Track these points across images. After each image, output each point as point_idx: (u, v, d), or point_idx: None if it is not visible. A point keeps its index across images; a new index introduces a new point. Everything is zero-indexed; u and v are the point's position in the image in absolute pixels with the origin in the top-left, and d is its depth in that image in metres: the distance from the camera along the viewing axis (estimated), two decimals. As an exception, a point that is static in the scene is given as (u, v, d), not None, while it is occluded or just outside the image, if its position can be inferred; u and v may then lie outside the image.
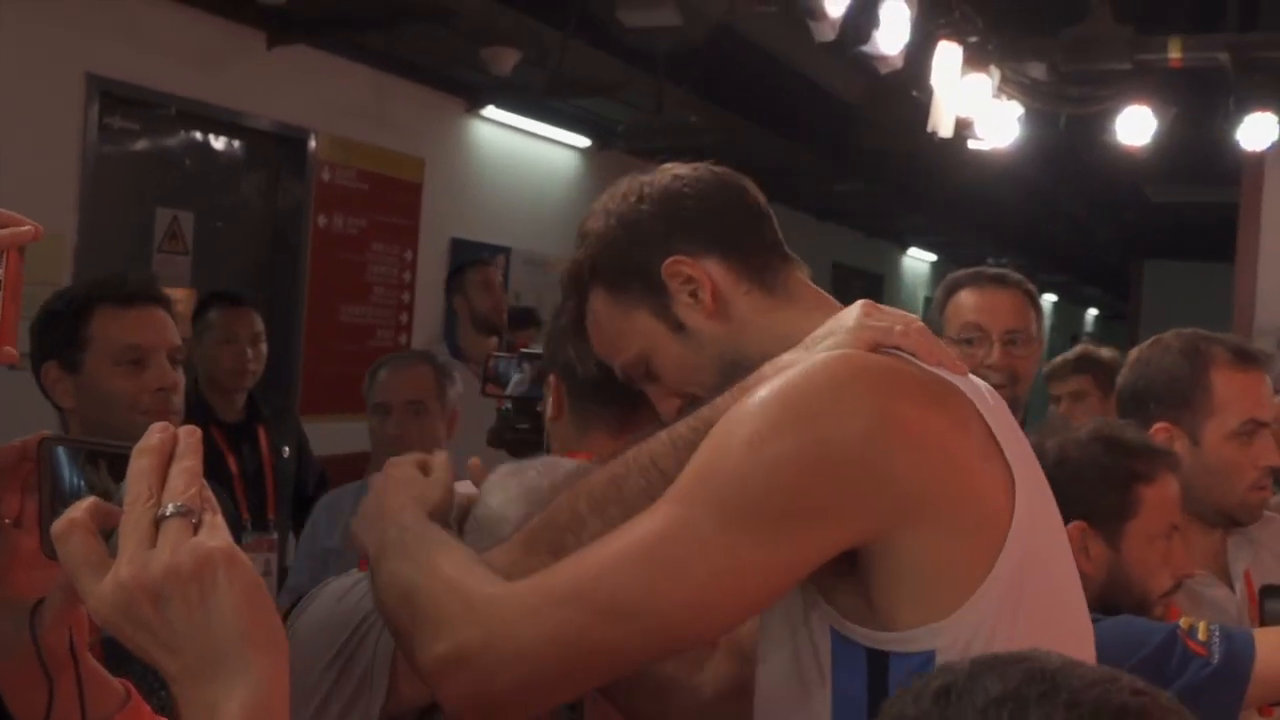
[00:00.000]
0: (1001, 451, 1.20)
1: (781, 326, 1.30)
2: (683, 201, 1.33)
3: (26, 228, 0.99)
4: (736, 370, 1.27)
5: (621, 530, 1.15)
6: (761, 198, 1.38)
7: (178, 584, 0.81)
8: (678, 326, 1.31)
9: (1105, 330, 21.27)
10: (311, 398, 5.21)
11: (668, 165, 1.38)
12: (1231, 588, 2.11)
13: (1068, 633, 1.25)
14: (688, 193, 1.33)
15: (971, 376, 1.27)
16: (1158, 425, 2.06)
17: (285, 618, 1.42)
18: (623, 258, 1.33)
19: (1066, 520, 1.79)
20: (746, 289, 1.31)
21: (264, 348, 3.93)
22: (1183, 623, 1.73)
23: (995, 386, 2.49)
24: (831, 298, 1.38)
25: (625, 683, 1.30)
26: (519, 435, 2.30)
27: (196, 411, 3.66)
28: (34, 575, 0.96)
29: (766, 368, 1.23)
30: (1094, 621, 1.73)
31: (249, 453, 3.70)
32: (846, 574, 1.16)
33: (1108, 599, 1.82)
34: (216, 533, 0.83)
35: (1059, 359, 4.23)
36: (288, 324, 5.12)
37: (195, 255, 4.94)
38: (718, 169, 1.38)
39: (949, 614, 1.13)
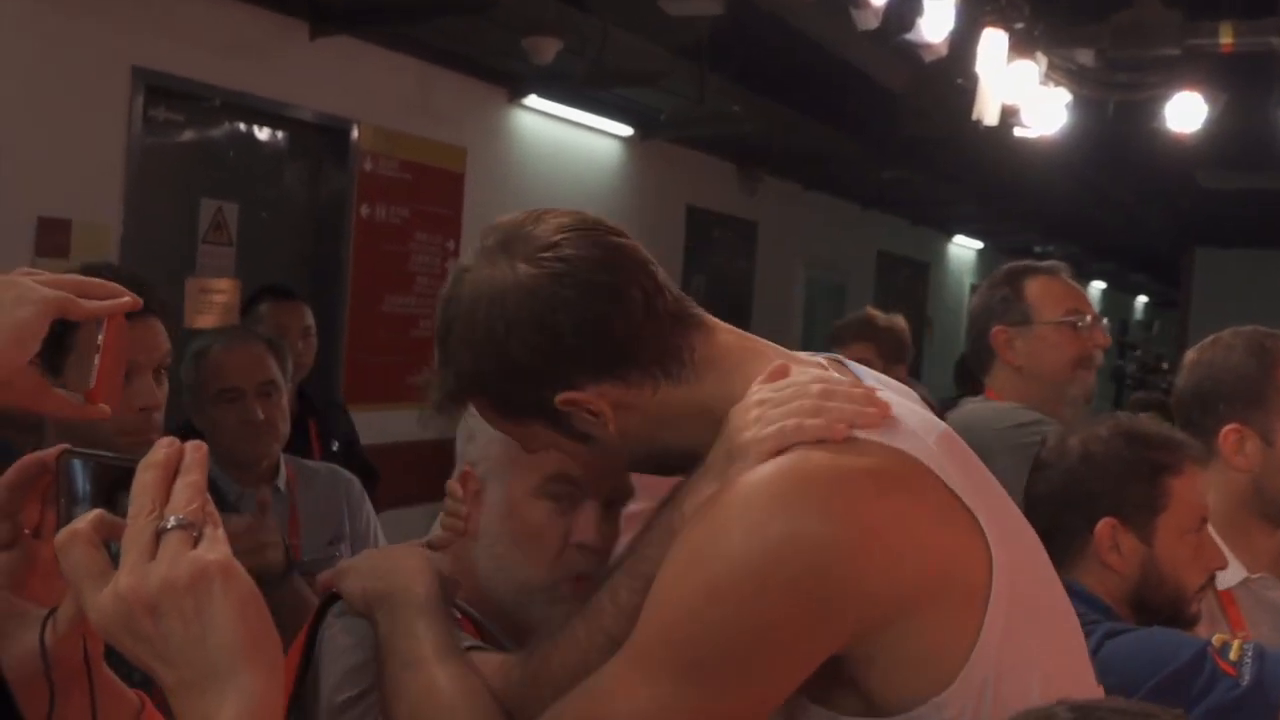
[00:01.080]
0: (965, 507, 1.13)
1: (695, 407, 1.21)
2: (557, 330, 1.16)
3: (125, 299, 1.08)
4: (650, 456, 1.25)
5: (593, 694, 1.13)
6: (644, 268, 1.21)
7: (174, 597, 0.82)
8: (583, 438, 1.23)
9: (1155, 318, 21.05)
10: (355, 388, 5.23)
11: (508, 251, 1.19)
12: None
13: (1068, 654, 1.22)
14: (560, 317, 1.16)
15: (910, 413, 1.18)
16: (1229, 426, 2.02)
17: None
18: (504, 395, 1.22)
19: (1095, 518, 1.79)
20: (652, 390, 1.19)
21: (314, 341, 3.96)
22: (1215, 640, 1.69)
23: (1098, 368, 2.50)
24: (753, 340, 1.27)
25: None
26: None
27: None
28: (52, 585, 0.97)
29: (686, 507, 1.15)
30: (1124, 632, 1.71)
31: (299, 447, 3.71)
32: (833, 674, 1.13)
33: (1142, 596, 1.80)
34: (215, 546, 0.84)
35: (840, 322, 4.26)
36: (331, 314, 5.14)
37: (240, 246, 4.97)
38: (593, 246, 1.19)
39: (948, 685, 1.09)
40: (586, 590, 1.30)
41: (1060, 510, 1.82)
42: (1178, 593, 1.79)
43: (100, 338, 1.08)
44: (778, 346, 1.28)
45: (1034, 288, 2.52)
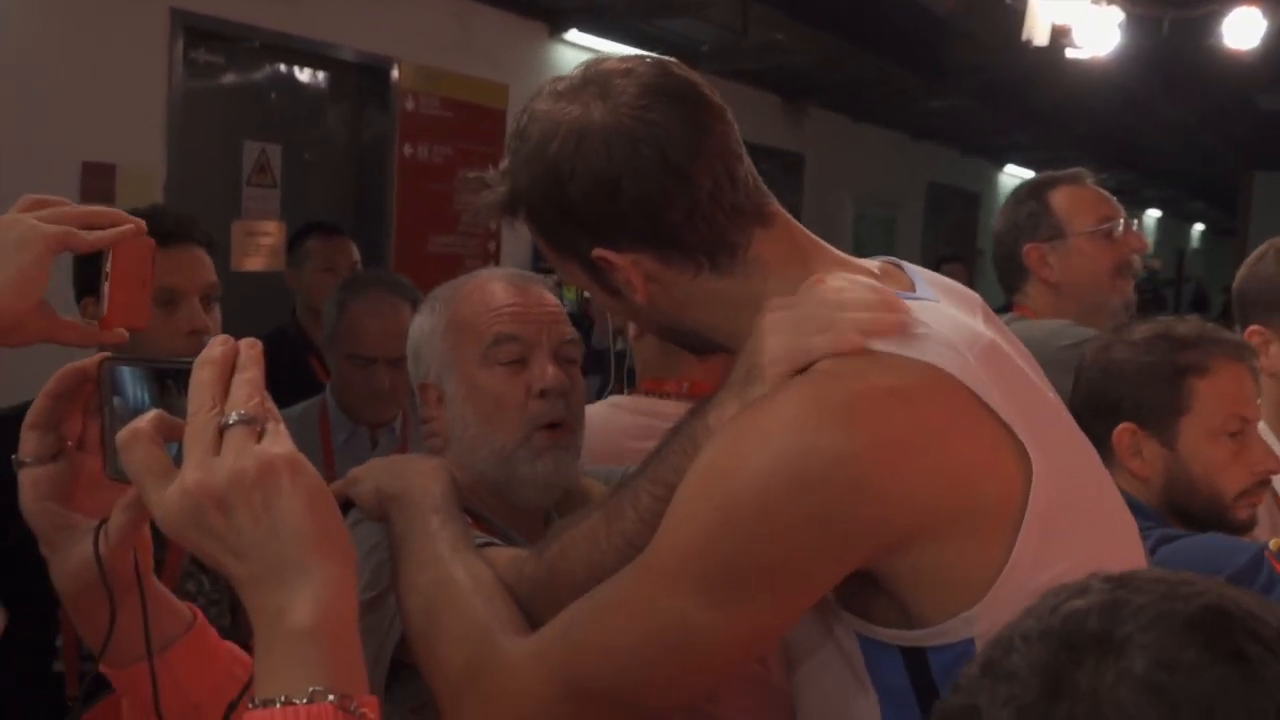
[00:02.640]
0: (1001, 422, 1.08)
1: (734, 300, 1.18)
2: (616, 189, 1.14)
3: (127, 226, 1.11)
4: (677, 331, 1.24)
5: (610, 605, 1.12)
6: (728, 153, 1.18)
7: (242, 490, 0.81)
8: (614, 292, 1.22)
9: (1212, 246, 20.71)
10: (402, 328, 5.24)
11: (604, 92, 1.16)
12: None
13: (1122, 562, 1.19)
14: (624, 179, 1.14)
15: (949, 323, 1.13)
16: (1251, 328, 1.99)
17: None
18: (550, 226, 1.21)
19: (1116, 423, 1.76)
20: (692, 275, 1.17)
21: (363, 276, 3.96)
22: (1272, 544, 1.65)
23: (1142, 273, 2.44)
24: (811, 243, 1.23)
25: None
26: None
27: (296, 340, 3.71)
28: (98, 497, 0.96)
29: (711, 419, 1.13)
30: (1179, 538, 1.68)
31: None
32: (865, 583, 1.11)
33: (1174, 500, 1.77)
34: (280, 440, 0.83)
35: None
36: (376, 255, 5.15)
37: (284, 188, 4.98)
38: (670, 103, 1.16)
39: (978, 600, 1.06)
40: (559, 437, 1.40)
41: (1087, 419, 1.80)
42: (1213, 498, 1.75)
43: (107, 266, 1.10)
44: (834, 251, 1.24)
45: (1061, 199, 2.43)
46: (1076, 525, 1.12)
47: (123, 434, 0.85)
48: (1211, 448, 1.75)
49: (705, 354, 1.28)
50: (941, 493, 1.05)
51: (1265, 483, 1.80)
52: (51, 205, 1.11)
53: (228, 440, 0.82)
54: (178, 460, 0.83)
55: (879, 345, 1.09)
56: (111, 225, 1.11)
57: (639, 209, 1.15)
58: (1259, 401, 1.86)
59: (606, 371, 2.81)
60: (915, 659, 1.10)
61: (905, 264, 1.26)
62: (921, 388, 1.07)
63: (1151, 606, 0.65)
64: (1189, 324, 1.83)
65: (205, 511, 0.81)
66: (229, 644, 1.05)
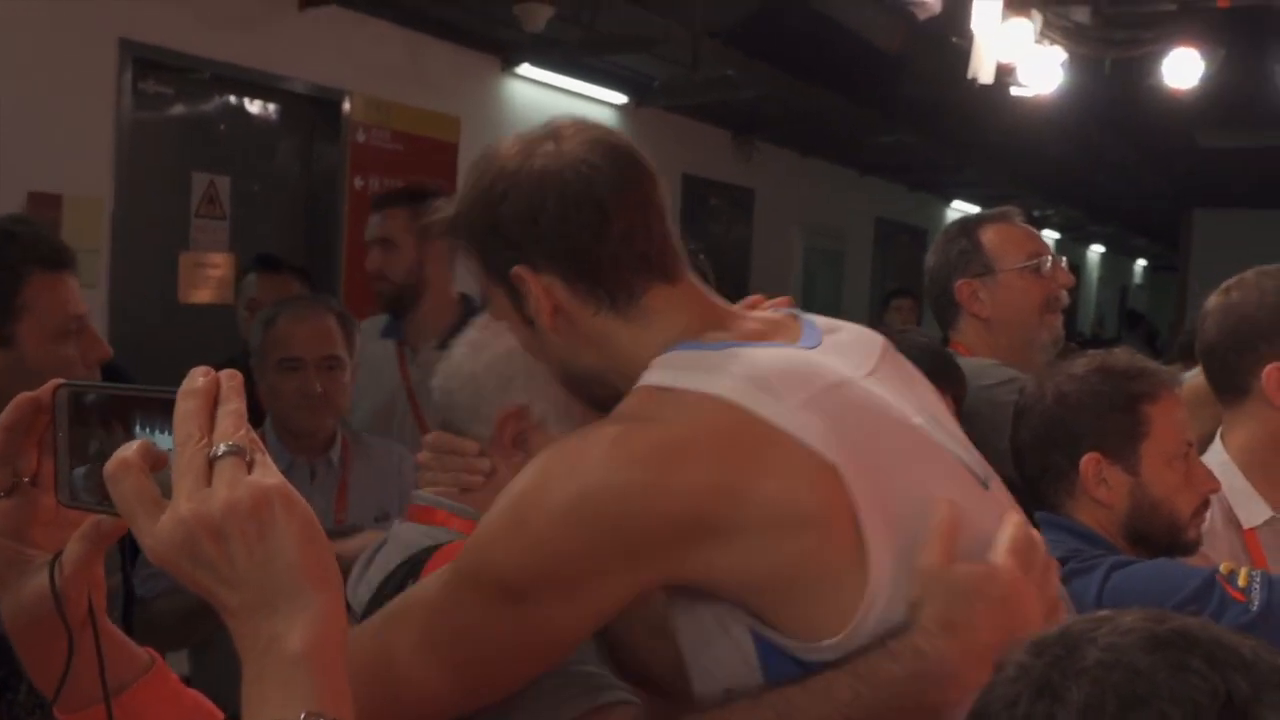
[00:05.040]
0: (809, 450, 1.15)
1: (626, 346, 1.29)
2: (541, 211, 1.27)
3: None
4: (577, 375, 1.33)
5: (431, 614, 1.22)
6: (647, 205, 1.31)
7: (237, 520, 0.81)
8: (528, 321, 1.32)
9: (1154, 281, 21.01)
10: (352, 360, 5.21)
11: (555, 139, 1.30)
12: None
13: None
14: (545, 211, 1.27)
15: (808, 357, 1.24)
16: (1272, 366, 2.00)
17: None
18: (481, 245, 1.32)
19: (1079, 455, 1.81)
20: (594, 310, 1.29)
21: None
22: (1223, 568, 1.70)
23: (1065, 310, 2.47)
24: (709, 299, 1.33)
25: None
26: None
27: (248, 373, 3.67)
28: (52, 532, 0.94)
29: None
30: (1130, 564, 1.71)
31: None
32: (760, 589, 1.17)
33: (1136, 526, 1.81)
34: (270, 471, 0.84)
35: None
36: (327, 287, 5.12)
37: (233, 220, 4.95)
38: (605, 170, 1.28)
39: (841, 630, 1.14)
40: None
41: (1046, 453, 1.86)
42: (1171, 519, 1.80)
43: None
44: (733, 312, 1.33)
45: (991, 236, 2.49)
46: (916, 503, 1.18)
47: (111, 465, 0.84)
48: (1169, 471, 1.81)
49: (597, 407, 1.32)
50: (716, 506, 1.14)
51: (1207, 503, 1.85)
52: None
53: (219, 471, 0.83)
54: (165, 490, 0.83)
55: (676, 384, 1.20)
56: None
57: (557, 231, 1.27)
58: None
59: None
60: (805, 664, 1.16)
61: (803, 315, 1.36)
62: (698, 426, 1.17)
63: (1130, 624, 0.68)
64: (1121, 355, 1.88)
65: (199, 542, 0.81)
66: (194, 691, 1.04)
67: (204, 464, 0.83)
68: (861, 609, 1.13)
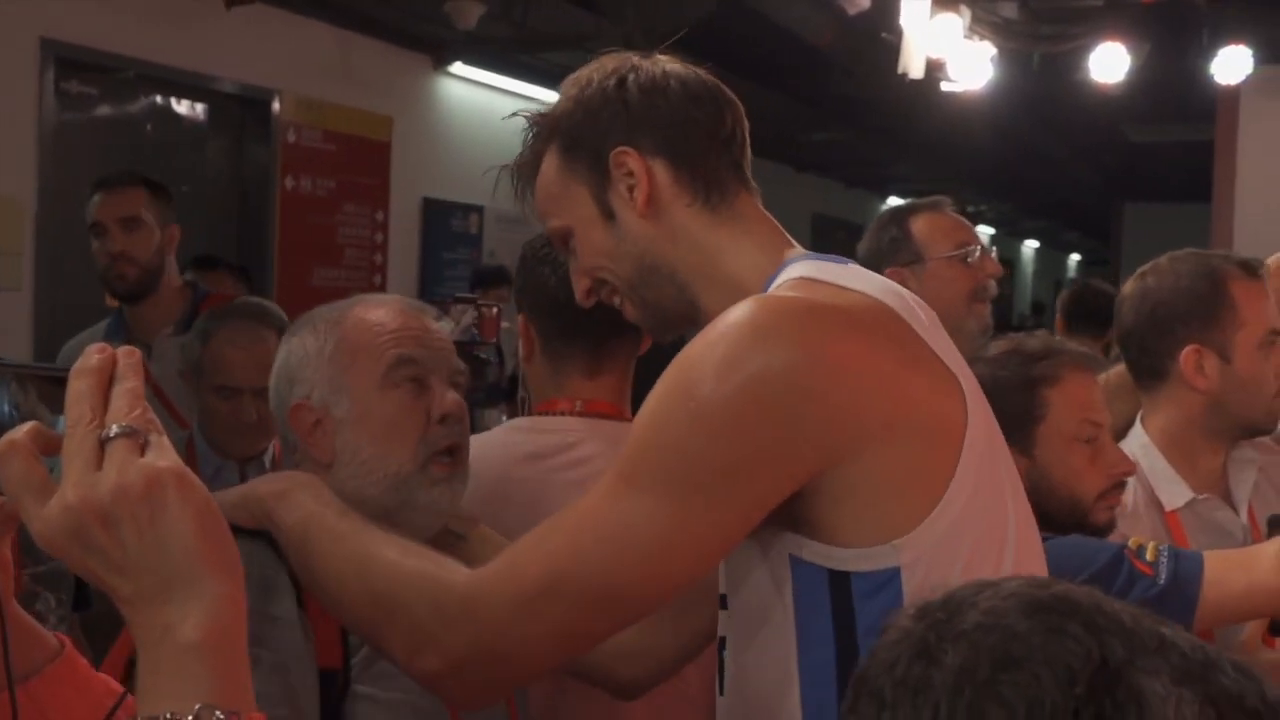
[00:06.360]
0: (943, 363, 1.21)
1: (712, 246, 1.30)
2: (658, 100, 1.32)
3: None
4: (653, 275, 1.31)
5: (579, 511, 1.19)
6: (742, 124, 1.37)
7: (128, 505, 0.78)
8: (608, 214, 1.32)
9: (1088, 276, 21.30)
10: (285, 362, 5.17)
11: (664, 59, 1.36)
12: (1235, 511, 2.09)
13: (1031, 551, 1.26)
14: (668, 93, 1.32)
15: (900, 291, 1.27)
16: (1188, 348, 2.02)
17: None
18: (582, 129, 1.33)
19: None
20: (689, 201, 1.31)
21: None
22: (1131, 542, 1.71)
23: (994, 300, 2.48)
24: (785, 236, 1.36)
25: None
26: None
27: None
28: None
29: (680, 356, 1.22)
30: (1043, 540, 1.72)
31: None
32: (805, 497, 1.17)
33: (1037, 506, 1.81)
34: (165, 453, 0.80)
35: None
36: (259, 288, 5.05)
37: (161, 221, 4.88)
38: (712, 81, 1.36)
39: (911, 529, 1.14)
40: (455, 468, 1.43)
41: None
42: (1073, 502, 1.80)
43: None
44: (790, 241, 1.35)
45: (921, 225, 2.50)
46: (1000, 486, 1.22)
47: None
48: (1068, 454, 1.80)
49: (661, 314, 1.33)
50: (883, 404, 1.15)
51: (1122, 485, 1.85)
52: None
53: (110, 454, 0.80)
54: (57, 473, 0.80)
55: (824, 278, 1.21)
56: None
57: (677, 115, 1.31)
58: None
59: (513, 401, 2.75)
60: (839, 583, 1.16)
61: (835, 260, 1.35)
62: (866, 310, 1.19)
63: (1013, 589, 0.68)
64: (1037, 338, 1.89)
65: (88, 528, 0.78)
66: (104, 676, 1.01)
67: (95, 447, 0.80)
68: (938, 510, 1.14)
